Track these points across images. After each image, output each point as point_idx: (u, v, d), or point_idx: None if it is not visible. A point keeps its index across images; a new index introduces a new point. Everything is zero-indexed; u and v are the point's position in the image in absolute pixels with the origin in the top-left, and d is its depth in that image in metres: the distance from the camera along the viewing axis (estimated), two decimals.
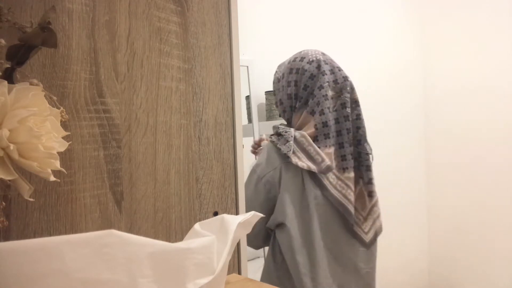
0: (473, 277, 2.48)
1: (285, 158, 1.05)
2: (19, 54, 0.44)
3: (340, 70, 1.13)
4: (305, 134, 1.06)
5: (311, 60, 1.12)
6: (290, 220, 1.05)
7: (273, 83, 1.21)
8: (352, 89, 1.12)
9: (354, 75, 2.16)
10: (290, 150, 1.03)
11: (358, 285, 1.11)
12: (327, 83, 1.08)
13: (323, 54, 1.15)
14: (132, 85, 0.67)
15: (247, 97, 1.76)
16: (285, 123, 1.20)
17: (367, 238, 1.10)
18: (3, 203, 0.45)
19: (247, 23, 1.65)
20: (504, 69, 2.33)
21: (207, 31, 0.78)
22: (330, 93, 1.08)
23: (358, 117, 1.11)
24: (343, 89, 1.10)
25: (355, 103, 1.11)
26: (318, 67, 1.10)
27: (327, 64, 1.12)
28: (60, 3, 0.59)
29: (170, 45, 0.72)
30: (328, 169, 1.04)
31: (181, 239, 0.71)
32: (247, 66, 1.75)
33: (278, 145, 1.06)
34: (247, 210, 0.78)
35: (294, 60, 1.15)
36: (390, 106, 2.41)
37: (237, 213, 0.83)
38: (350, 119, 1.09)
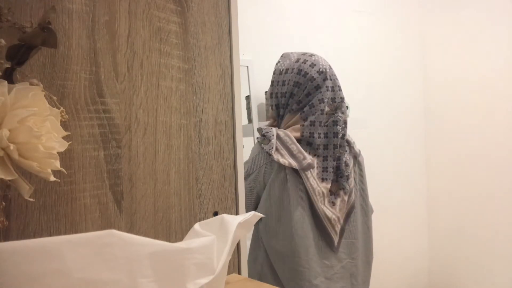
0: (473, 276, 2.48)
1: (269, 157, 1.14)
2: (19, 54, 0.44)
3: (340, 89, 1.20)
4: (289, 133, 1.14)
5: (320, 70, 1.16)
6: (268, 212, 1.16)
7: (273, 73, 1.24)
8: (345, 110, 1.19)
9: (354, 74, 2.18)
10: (272, 149, 1.12)
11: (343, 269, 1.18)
12: (327, 99, 1.15)
13: (330, 68, 1.20)
14: (132, 85, 0.67)
15: (247, 97, 1.76)
16: (267, 123, 1.30)
17: (336, 241, 1.16)
18: (3, 203, 0.45)
19: (247, 23, 1.65)
20: (504, 68, 2.33)
21: (207, 31, 0.78)
22: (326, 108, 1.16)
23: (343, 137, 1.18)
24: (338, 109, 1.17)
25: (344, 123, 1.18)
26: (325, 80, 1.16)
27: (331, 80, 1.17)
28: (60, 3, 0.59)
29: (170, 45, 0.72)
30: (309, 166, 1.12)
31: (181, 239, 0.71)
32: (247, 66, 1.75)
33: (262, 145, 1.16)
34: None
35: (304, 62, 1.18)
36: (390, 106, 2.41)
37: (237, 213, 0.83)
38: (339, 136, 1.16)
